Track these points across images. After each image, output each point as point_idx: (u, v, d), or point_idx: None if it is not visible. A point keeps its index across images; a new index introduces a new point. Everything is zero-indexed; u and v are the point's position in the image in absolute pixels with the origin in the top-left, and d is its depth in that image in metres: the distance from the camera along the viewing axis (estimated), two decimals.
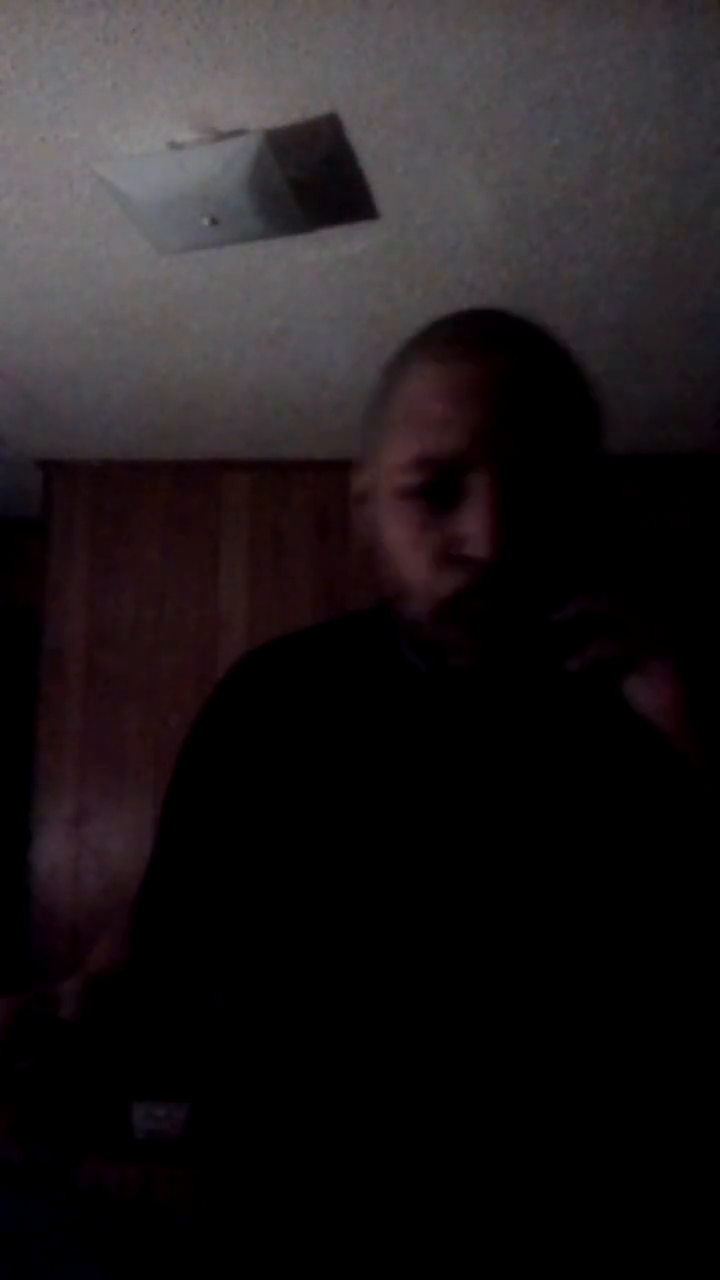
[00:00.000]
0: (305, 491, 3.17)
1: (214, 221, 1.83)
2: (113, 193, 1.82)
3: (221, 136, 1.67)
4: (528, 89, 1.59)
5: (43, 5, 1.43)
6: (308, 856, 0.82)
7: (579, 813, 0.79)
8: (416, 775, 0.82)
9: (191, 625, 3.17)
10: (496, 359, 0.78)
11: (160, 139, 1.70)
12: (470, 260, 2.08)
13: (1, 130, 1.70)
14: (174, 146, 1.70)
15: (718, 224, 1.95)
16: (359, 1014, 0.79)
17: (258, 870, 0.85)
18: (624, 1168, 0.77)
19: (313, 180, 1.80)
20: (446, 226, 1.97)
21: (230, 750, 0.90)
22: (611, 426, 2.82)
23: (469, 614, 0.76)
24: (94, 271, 2.14)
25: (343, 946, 0.79)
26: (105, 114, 1.66)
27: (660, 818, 0.77)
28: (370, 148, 1.74)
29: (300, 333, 2.40)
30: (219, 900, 0.88)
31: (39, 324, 2.37)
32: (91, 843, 3.07)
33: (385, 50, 1.52)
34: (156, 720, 3.10)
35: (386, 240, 2.01)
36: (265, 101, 1.62)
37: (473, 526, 0.74)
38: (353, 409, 3.08)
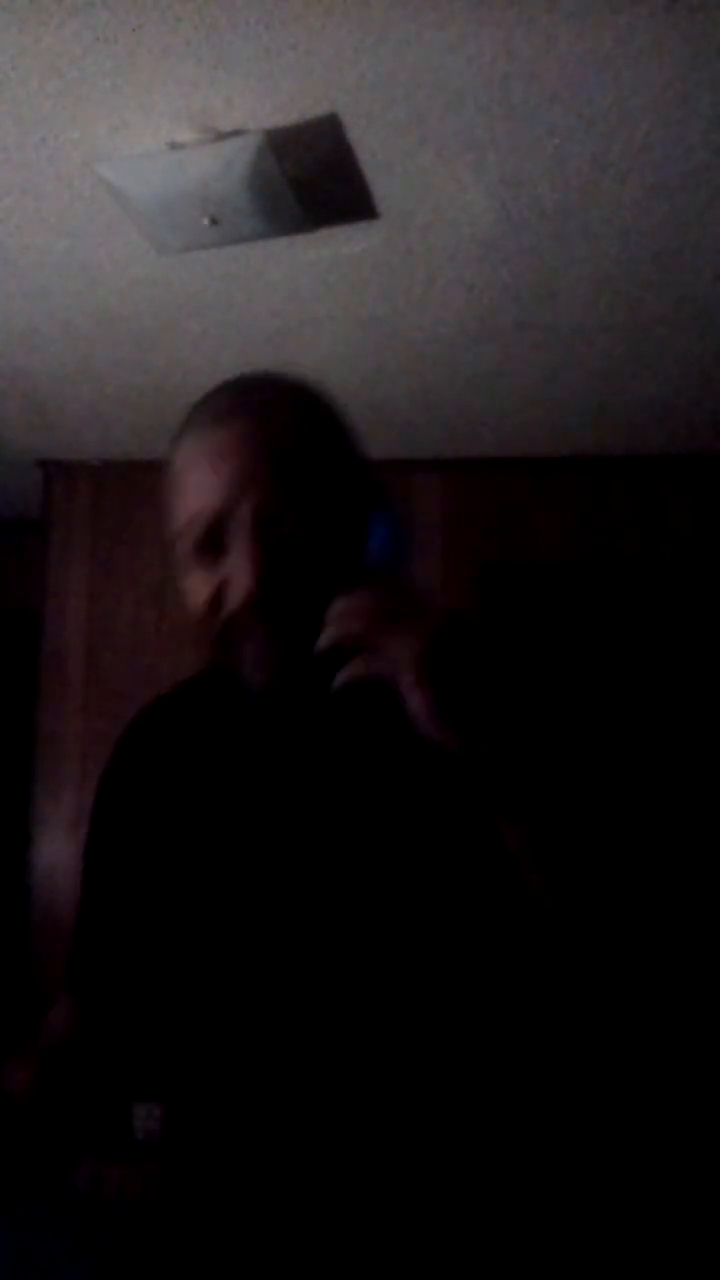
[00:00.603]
0: None
1: (214, 221, 1.83)
2: (113, 193, 1.82)
3: (221, 136, 1.67)
4: (528, 89, 1.59)
5: (43, 5, 1.43)
6: (175, 865, 0.96)
7: (365, 805, 0.91)
8: (243, 785, 0.96)
9: (191, 625, 3.16)
10: (240, 422, 0.90)
11: (160, 139, 1.70)
12: (470, 260, 2.08)
13: (1, 130, 1.70)
14: (174, 146, 1.70)
15: (718, 224, 1.95)
16: (220, 993, 0.92)
17: (149, 886, 0.98)
18: (438, 1118, 0.88)
19: (313, 180, 1.80)
20: (446, 226, 1.97)
21: (126, 790, 1.04)
22: (611, 426, 2.81)
23: (245, 635, 0.89)
24: (94, 271, 2.14)
25: (201, 934, 0.93)
26: (105, 114, 1.66)
27: (433, 809, 0.89)
28: (370, 148, 1.74)
29: (300, 333, 2.40)
30: (133, 919, 1.00)
31: (39, 324, 2.37)
32: None
33: (385, 50, 1.52)
34: None
35: (386, 240, 2.01)
36: (265, 101, 1.62)
37: (236, 562, 0.87)
38: (352, 409, 3.05)
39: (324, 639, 0.81)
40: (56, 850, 3.07)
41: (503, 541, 3.13)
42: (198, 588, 0.92)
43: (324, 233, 1.97)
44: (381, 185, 1.85)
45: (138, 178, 1.75)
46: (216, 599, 0.90)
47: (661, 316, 2.30)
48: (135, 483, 3.24)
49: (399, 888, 0.88)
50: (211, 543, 0.90)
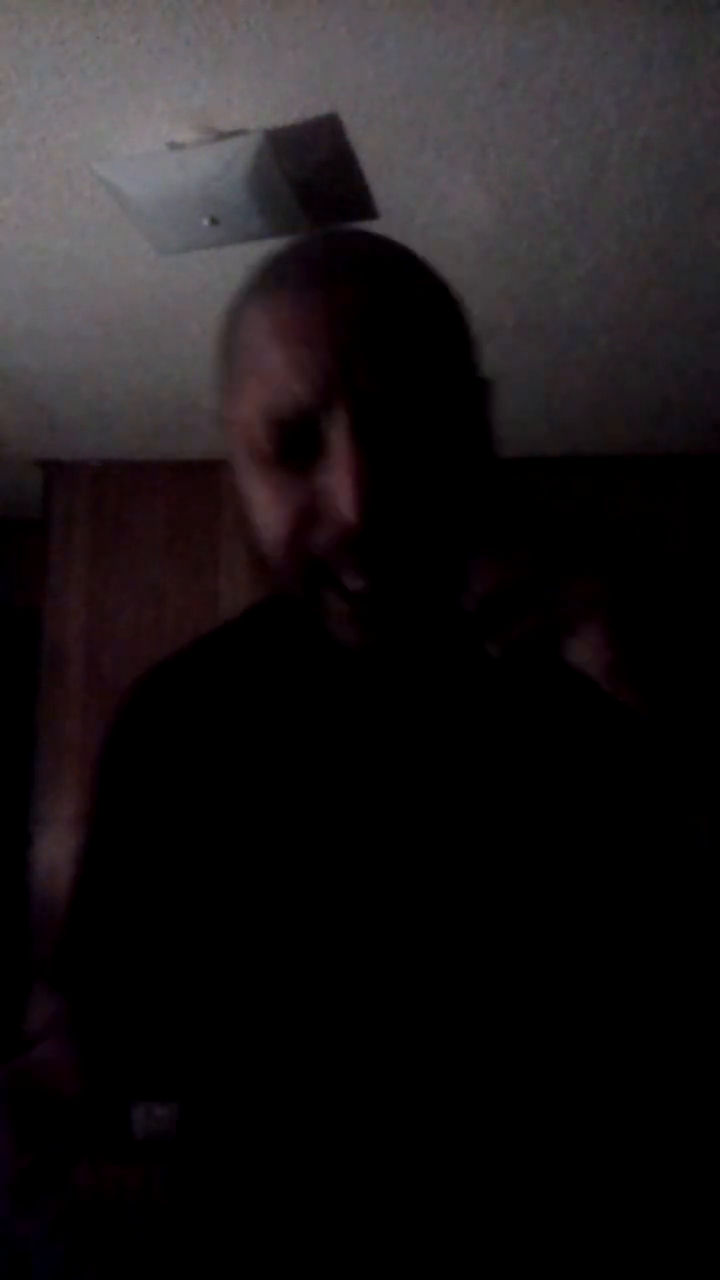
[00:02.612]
0: None
1: (214, 221, 1.83)
2: (113, 193, 1.82)
3: (221, 136, 1.67)
4: (528, 89, 1.59)
5: (43, 5, 1.43)
6: (244, 855, 0.76)
7: (513, 787, 0.71)
8: (339, 759, 0.75)
9: (191, 625, 3.16)
10: (338, 290, 0.65)
11: (160, 139, 1.70)
12: (470, 260, 2.08)
13: (1, 130, 1.70)
14: (174, 146, 1.70)
15: (718, 224, 1.95)
16: (315, 1006, 0.73)
17: (203, 875, 0.78)
18: (600, 1153, 0.71)
19: (313, 180, 1.80)
20: (446, 226, 1.97)
21: (153, 765, 0.82)
22: (611, 426, 2.81)
23: (340, 576, 0.66)
24: (94, 271, 2.14)
25: (290, 940, 0.74)
26: (105, 114, 1.66)
27: (608, 781, 0.70)
28: (370, 148, 1.74)
29: None
30: (167, 913, 0.80)
31: (39, 324, 2.37)
32: None
33: (385, 50, 1.52)
34: None
35: None
36: (265, 101, 1.62)
37: (333, 486, 0.63)
38: None
39: (478, 586, 0.64)
40: (56, 850, 3.07)
41: None
42: (271, 504, 0.67)
43: None
44: (381, 185, 1.84)
45: (138, 178, 1.75)
46: (300, 522, 0.66)
47: (661, 316, 2.30)
48: (135, 483, 3.24)
49: (550, 874, 0.70)
50: (294, 445, 0.65)
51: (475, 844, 0.71)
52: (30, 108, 1.64)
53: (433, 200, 1.89)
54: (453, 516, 0.66)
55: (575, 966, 0.70)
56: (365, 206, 1.90)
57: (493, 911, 0.70)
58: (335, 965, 0.72)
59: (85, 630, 3.19)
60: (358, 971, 0.72)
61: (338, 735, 0.75)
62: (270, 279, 0.70)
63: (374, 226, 1.96)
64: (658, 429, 2.90)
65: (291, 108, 1.64)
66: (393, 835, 0.72)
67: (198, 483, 3.21)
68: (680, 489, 3.08)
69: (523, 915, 0.70)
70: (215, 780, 0.78)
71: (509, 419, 2.73)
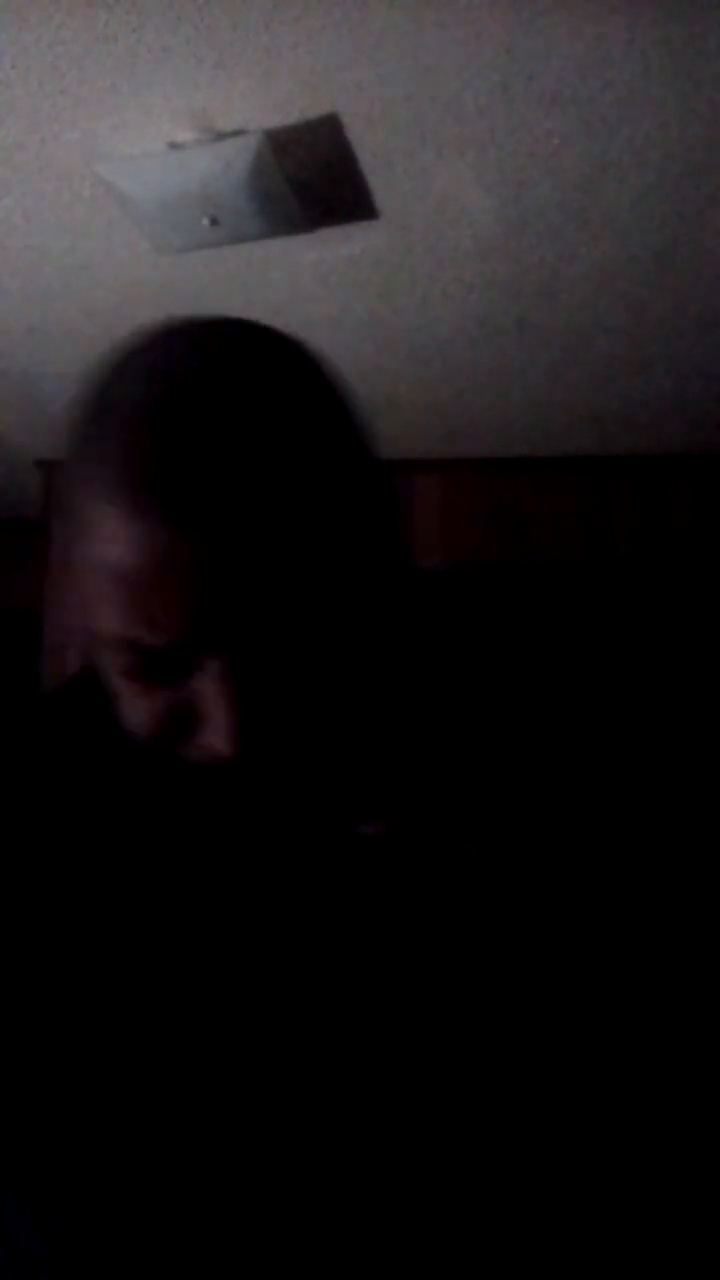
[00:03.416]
0: None
1: (214, 221, 1.83)
2: (113, 193, 1.82)
3: (221, 136, 1.67)
4: (528, 89, 1.59)
5: (43, 5, 1.43)
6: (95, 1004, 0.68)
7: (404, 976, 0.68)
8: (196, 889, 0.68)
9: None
10: (204, 523, 0.54)
11: (160, 139, 1.70)
12: (470, 260, 2.08)
13: (1, 130, 1.70)
14: (174, 146, 1.70)
15: (718, 224, 1.95)
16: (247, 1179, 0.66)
17: (106, 1024, 0.69)
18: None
19: (313, 180, 1.80)
20: (446, 226, 1.97)
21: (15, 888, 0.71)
22: (611, 426, 2.80)
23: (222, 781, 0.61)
24: (94, 271, 2.14)
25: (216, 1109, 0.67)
26: (105, 114, 1.66)
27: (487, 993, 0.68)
28: (370, 148, 1.74)
29: (300, 333, 2.40)
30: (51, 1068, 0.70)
31: (39, 324, 2.37)
32: None
33: (385, 50, 1.52)
34: None
35: (386, 240, 2.01)
36: (265, 101, 1.62)
37: (208, 711, 0.58)
38: None
39: (370, 830, 0.63)
40: None
41: (503, 541, 3.13)
42: (134, 701, 0.60)
43: (324, 233, 1.97)
44: (381, 185, 1.84)
45: (138, 178, 1.75)
46: (168, 723, 0.60)
47: (661, 316, 2.30)
48: None
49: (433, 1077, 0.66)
50: (157, 668, 0.58)
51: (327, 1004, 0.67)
52: (30, 108, 1.64)
53: (433, 200, 1.89)
54: (328, 731, 0.62)
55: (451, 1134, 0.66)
56: (365, 206, 1.90)
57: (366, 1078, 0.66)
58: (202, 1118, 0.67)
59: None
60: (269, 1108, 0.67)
61: (196, 866, 0.68)
62: (119, 482, 0.55)
63: (374, 226, 1.96)
64: (658, 429, 2.90)
65: (291, 108, 1.64)
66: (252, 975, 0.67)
67: None
68: (680, 489, 3.08)
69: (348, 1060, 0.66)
70: (56, 915, 0.69)
71: (509, 419, 2.73)
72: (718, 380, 2.61)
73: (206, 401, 0.58)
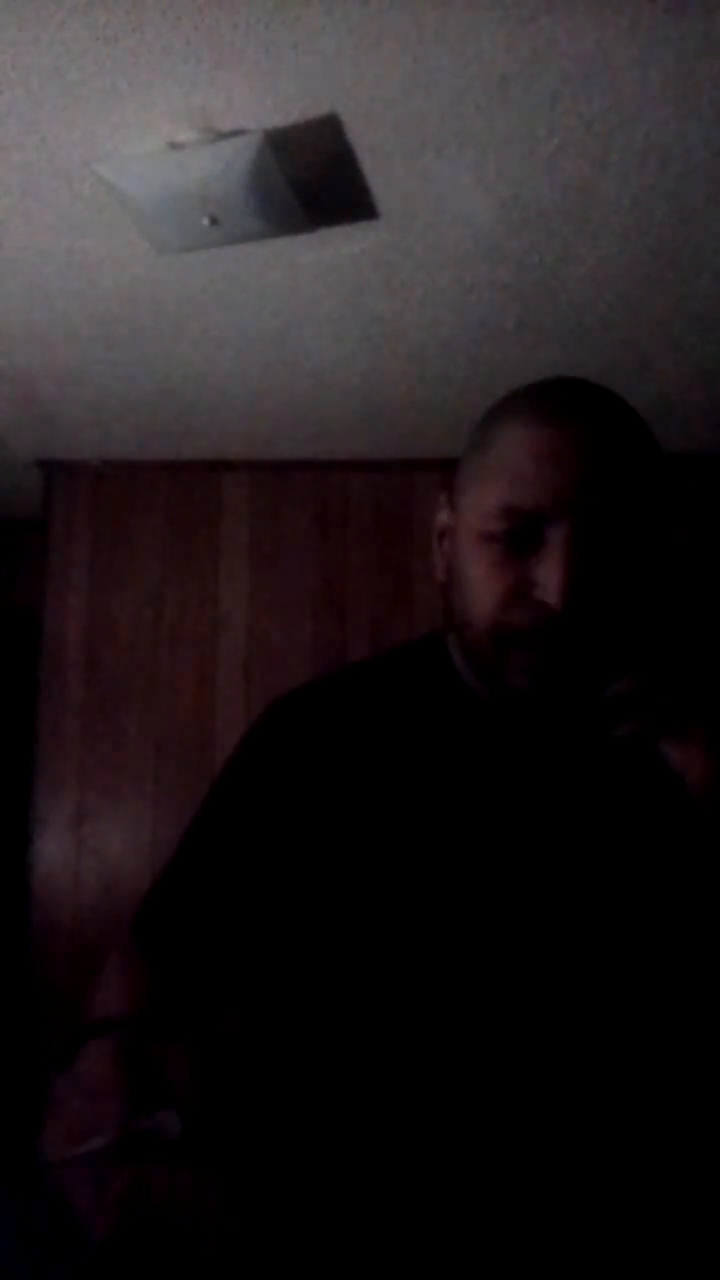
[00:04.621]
0: (305, 492, 3.17)
1: (214, 221, 1.83)
2: (113, 193, 1.82)
3: (221, 136, 1.67)
4: (528, 89, 1.59)
5: (43, 5, 1.43)
6: (367, 872, 0.90)
7: (604, 842, 0.90)
8: (469, 795, 0.91)
9: (191, 625, 3.17)
10: (579, 426, 0.86)
11: (160, 139, 1.70)
12: (470, 260, 2.08)
13: (1, 130, 1.70)
14: (174, 146, 1.70)
15: (718, 224, 1.95)
16: (409, 1020, 0.87)
17: (316, 890, 0.92)
18: (631, 1165, 0.85)
19: (313, 180, 1.80)
20: (446, 226, 1.97)
21: (283, 778, 0.96)
22: None
23: (529, 646, 0.84)
24: (94, 271, 2.14)
25: (396, 958, 0.88)
26: (105, 114, 1.66)
27: (673, 853, 0.88)
28: (370, 148, 1.74)
29: (300, 333, 2.40)
30: (265, 923, 0.95)
31: (39, 324, 2.37)
32: (91, 843, 3.07)
33: (385, 50, 1.52)
34: (156, 720, 3.11)
35: (386, 240, 2.01)
36: (265, 101, 1.62)
37: (546, 574, 0.83)
38: (353, 409, 3.08)
39: (620, 684, 0.84)
40: (56, 850, 3.07)
41: None
42: (485, 579, 0.86)
43: (324, 233, 1.97)
44: (381, 185, 1.84)
45: (138, 178, 1.75)
46: (507, 598, 0.85)
47: (661, 316, 2.30)
48: (135, 483, 3.24)
49: (623, 920, 0.87)
50: (518, 535, 0.85)
51: (560, 878, 0.88)
52: (30, 108, 1.64)
53: (433, 200, 1.89)
54: (624, 623, 0.85)
55: (625, 980, 0.87)
56: (365, 206, 1.90)
57: (564, 929, 0.87)
58: (424, 962, 0.87)
59: (85, 630, 3.19)
60: (445, 970, 0.87)
61: (462, 771, 0.92)
62: (524, 408, 0.90)
63: (374, 226, 1.96)
64: (658, 429, 2.90)
65: (291, 108, 1.64)
66: (492, 859, 0.89)
67: (198, 483, 3.22)
68: (681, 489, 3.08)
69: (590, 932, 0.87)
70: (338, 793, 0.93)
71: None
72: (718, 380, 2.61)
73: (577, 383, 0.93)
